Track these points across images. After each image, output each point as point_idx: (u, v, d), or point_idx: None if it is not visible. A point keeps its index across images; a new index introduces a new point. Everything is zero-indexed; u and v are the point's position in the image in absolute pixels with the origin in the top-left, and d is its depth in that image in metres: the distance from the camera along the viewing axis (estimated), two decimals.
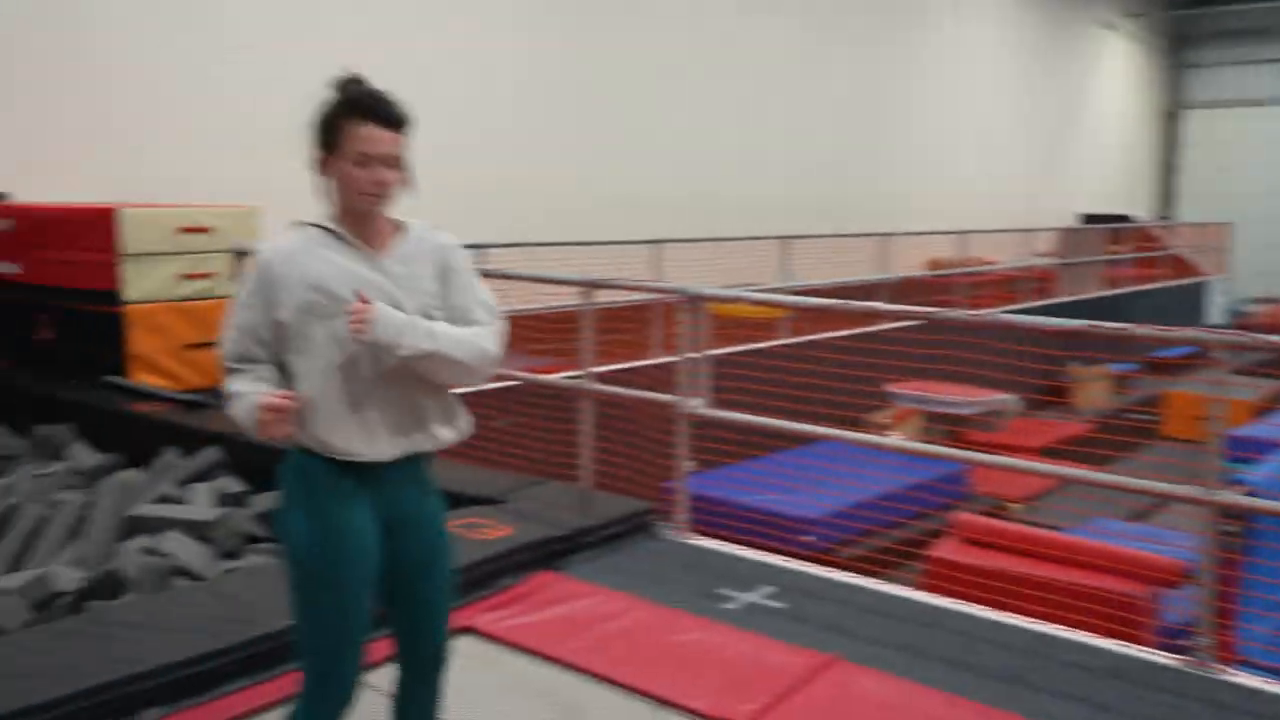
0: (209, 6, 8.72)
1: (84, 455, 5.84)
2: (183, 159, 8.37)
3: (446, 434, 2.44)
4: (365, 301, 2.19)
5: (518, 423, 7.13)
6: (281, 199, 8.10)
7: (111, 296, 6.42)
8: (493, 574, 3.90)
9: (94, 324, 6.58)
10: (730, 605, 3.88)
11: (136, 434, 5.86)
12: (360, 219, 2.30)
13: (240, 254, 6.36)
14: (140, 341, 6.49)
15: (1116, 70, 25.82)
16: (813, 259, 12.61)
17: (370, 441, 2.31)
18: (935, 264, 17.24)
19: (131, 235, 6.38)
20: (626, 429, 6.54)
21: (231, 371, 2.33)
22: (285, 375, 2.34)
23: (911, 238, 14.93)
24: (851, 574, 4.27)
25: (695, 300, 4.43)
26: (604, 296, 8.97)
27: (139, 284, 6.45)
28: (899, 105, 17.95)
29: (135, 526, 4.77)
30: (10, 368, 7.02)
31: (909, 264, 15.21)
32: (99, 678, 2.86)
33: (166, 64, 8.46)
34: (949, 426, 10.93)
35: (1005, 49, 20.72)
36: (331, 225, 2.30)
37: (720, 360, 7.60)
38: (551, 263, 8.84)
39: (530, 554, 4.07)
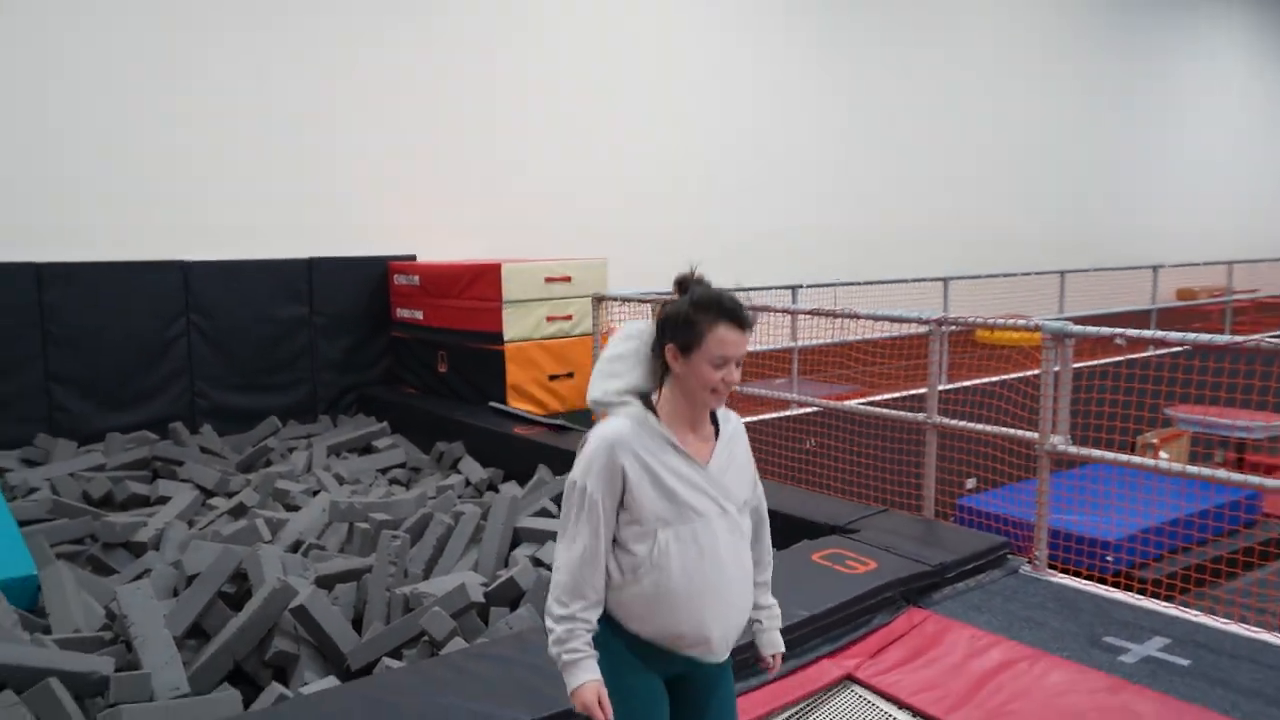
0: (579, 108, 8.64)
1: (473, 469, 5.70)
2: (541, 217, 8.34)
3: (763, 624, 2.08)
4: None
5: (822, 444, 6.44)
6: (617, 242, 8.00)
7: (494, 336, 6.31)
8: (867, 610, 3.21)
9: (480, 359, 6.49)
10: (1126, 658, 2.98)
11: (515, 452, 5.64)
12: (698, 412, 1.90)
13: (598, 299, 6.09)
14: (515, 373, 6.34)
15: None
16: (1079, 291, 11.14)
17: (707, 646, 1.86)
18: (1184, 294, 15.05)
19: (510, 285, 6.25)
20: (884, 443, 5.80)
21: (566, 617, 1.80)
22: (616, 554, 1.85)
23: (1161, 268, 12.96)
24: (1248, 626, 3.23)
25: (1059, 337, 3.55)
26: (866, 330, 8.21)
27: (514, 325, 6.31)
28: (1156, 140, 15.79)
29: (521, 537, 4.47)
30: (417, 394, 7.09)
31: (1160, 294, 13.22)
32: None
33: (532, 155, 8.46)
34: (1230, 450, 9.20)
35: (1256, 78, 17.80)
36: (663, 429, 1.86)
37: (996, 386, 6.60)
38: (845, 299, 8.08)
39: (900, 590, 3.34)
